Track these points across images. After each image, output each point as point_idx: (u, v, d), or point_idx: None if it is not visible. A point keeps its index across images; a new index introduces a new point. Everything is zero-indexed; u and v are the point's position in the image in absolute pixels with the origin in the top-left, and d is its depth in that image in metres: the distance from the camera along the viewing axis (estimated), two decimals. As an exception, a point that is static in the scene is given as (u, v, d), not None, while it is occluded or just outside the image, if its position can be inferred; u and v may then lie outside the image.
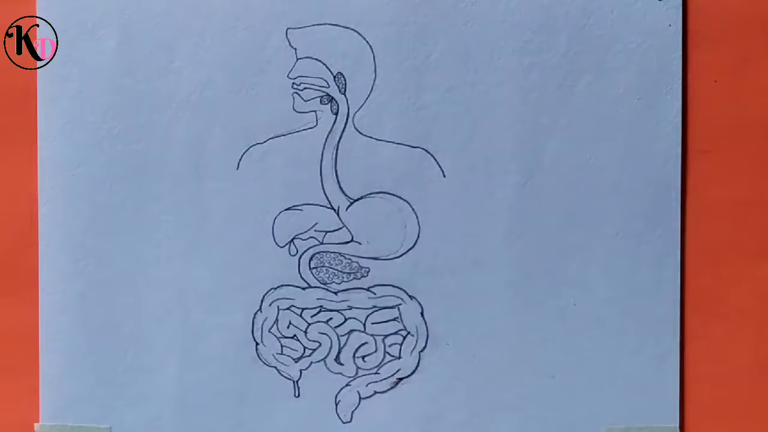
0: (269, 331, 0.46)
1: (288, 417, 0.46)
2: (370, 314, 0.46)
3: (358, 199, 0.46)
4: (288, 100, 0.46)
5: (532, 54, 0.45)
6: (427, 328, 0.46)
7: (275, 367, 0.46)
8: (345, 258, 0.46)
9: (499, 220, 0.45)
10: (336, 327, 0.46)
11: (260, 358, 0.46)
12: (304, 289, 0.46)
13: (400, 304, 0.46)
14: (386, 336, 0.46)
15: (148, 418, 0.46)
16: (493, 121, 0.45)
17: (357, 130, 0.46)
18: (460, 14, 0.45)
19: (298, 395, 0.46)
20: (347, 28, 0.46)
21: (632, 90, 0.45)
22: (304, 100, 0.46)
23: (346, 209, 0.46)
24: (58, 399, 0.47)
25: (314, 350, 0.46)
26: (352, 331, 0.46)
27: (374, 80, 0.46)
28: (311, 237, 0.46)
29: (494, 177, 0.45)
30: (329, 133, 0.46)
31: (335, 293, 0.46)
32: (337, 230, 0.46)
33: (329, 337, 0.46)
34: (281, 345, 0.46)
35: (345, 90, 0.46)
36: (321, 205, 0.46)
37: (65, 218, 0.46)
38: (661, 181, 0.45)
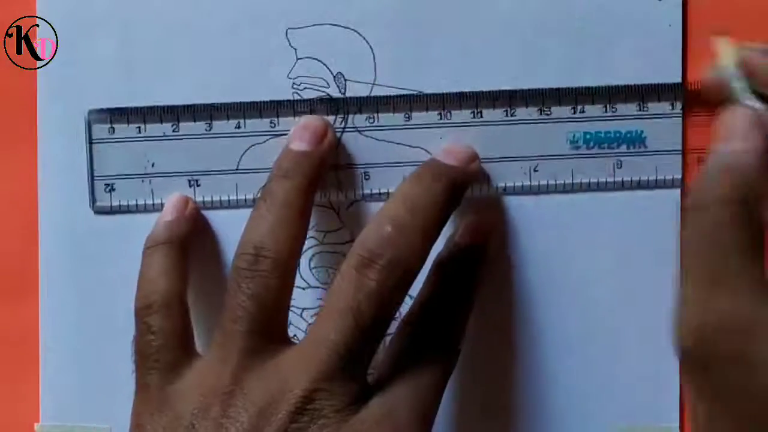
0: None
1: (288, 417, 0.46)
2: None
3: (358, 199, 0.46)
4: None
5: (532, 54, 0.45)
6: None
7: (275, 367, 0.46)
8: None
9: (498, 220, 0.45)
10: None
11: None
12: (304, 289, 0.46)
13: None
14: (386, 335, 0.46)
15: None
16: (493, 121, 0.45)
17: (357, 130, 0.46)
18: (461, 14, 0.45)
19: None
20: (347, 28, 0.46)
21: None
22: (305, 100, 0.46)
23: (347, 209, 0.46)
24: (58, 399, 0.47)
25: (314, 350, 0.46)
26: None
27: (374, 80, 0.46)
28: (311, 237, 0.46)
29: (494, 176, 0.45)
30: (329, 133, 0.46)
31: (335, 293, 0.46)
32: (337, 230, 0.46)
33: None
34: (281, 345, 0.46)
35: (345, 90, 0.46)
36: (321, 205, 0.46)
37: (65, 218, 0.46)
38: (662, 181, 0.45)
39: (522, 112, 0.45)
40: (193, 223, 0.45)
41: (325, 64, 0.46)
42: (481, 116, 0.45)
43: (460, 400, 0.46)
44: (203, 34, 0.46)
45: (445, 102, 0.45)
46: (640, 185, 0.45)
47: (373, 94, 0.46)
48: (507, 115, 0.45)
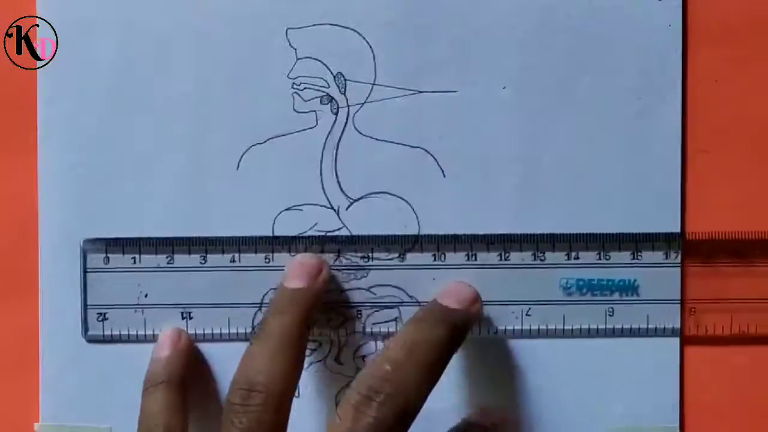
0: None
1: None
2: (370, 314, 0.46)
3: (358, 199, 0.46)
4: (288, 100, 0.46)
5: (532, 54, 0.45)
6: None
7: (275, 367, 0.46)
8: (345, 258, 0.46)
9: (498, 220, 0.45)
10: (336, 327, 0.46)
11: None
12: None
13: (400, 304, 0.46)
14: (386, 336, 0.46)
15: (148, 418, 0.46)
16: (493, 121, 0.45)
17: (357, 130, 0.46)
18: (460, 14, 0.45)
19: (298, 395, 0.46)
20: (347, 28, 0.46)
21: (632, 90, 0.45)
22: (304, 100, 0.46)
23: (346, 209, 0.46)
24: (58, 399, 0.47)
25: (314, 350, 0.46)
26: (352, 331, 0.46)
27: (374, 80, 0.46)
28: (311, 237, 0.46)
29: (494, 177, 0.45)
30: (329, 133, 0.46)
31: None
32: (337, 230, 0.46)
33: (329, 338, 0.46)
34: (281, 345, 0.46)
35: (345, 90, 0.46)
36: (321, 205, 0.46)
37: (65, 218, 0.46)
38: (661, 181, 0.45)
39: (516, 257, 0.45)
40: (188, 356, 0.45)
41: (325, 64, 0.46)
42: (476, 259, 0.45)
43: (457, 399, 0.46)
44: (203, 34, 0.46)
45: (439, 244, 0.45)
46: (632, 333, 0.45)
47: (373, 94, 0.46)
48: (501, 259, 0.45)
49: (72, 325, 0.46)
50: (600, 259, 0.45)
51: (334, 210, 0.46)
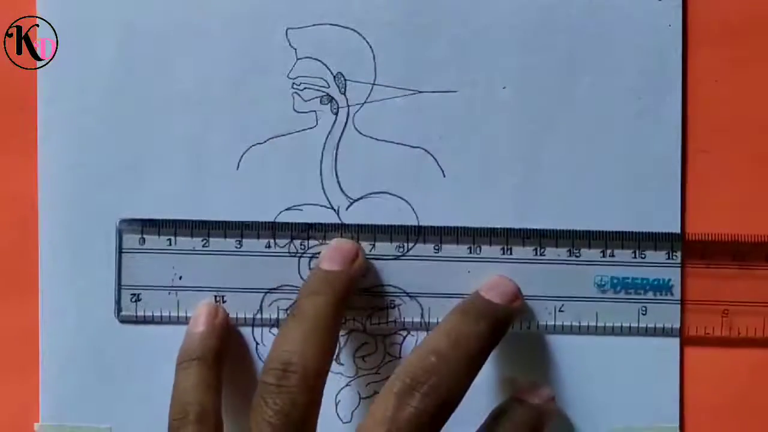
0: (269, 332, 0.46)
1: (288, 417, 0.46)
2: (370, 314, 0.46)
3: (358, 199, 0.46)
4: (288, 100, 0.46)
5: (532, 54, 0.45)
6: (427, 328, 0.46)
7: (275, 368, 0.46)
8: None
9: (498, 220, 0.45)
10: (336, 327, 0.46)
11: (260, 359, 0.46)
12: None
13: (400, 305, 0.46)
14: (386, 336, 0.46)
15: (149, 418, 0.46)
16: (493, 121, 0.45)
17: (357, 130, 0.46)
18: (460, 14, 0.45)
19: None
20: (347, 28, 0.46)
21: (632, 90, 0.45)
22: (304, 100, 0.46)
23: (346, 209, 0.46)
24: (58, 399, 0.47)
25: (314, 350, 0.46)
26: (352, 331, 0.46)
27: (374, 80, 0.46)
28: (311, 237, 0.46)
29: (494, 177, 0.45)
30: (329, 133, 0.46)
31: (335, 293, 0.46)
32: (337, 230, 0.46)
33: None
34: (281, 345, 0.46)
35: (345, 90, 0.46)
36: (321, 205, 0.46)
37: (65, 218, 0.46)
38: (661, 181, 0.45)
39: (551, 252, 0.45)
40: (223, 332, 0.45)
41: (325, 64, 0.46)
42: (511, 253, 0.45)
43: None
44: (203, 34, 0.46)
45: (475, 237, 0.45)
46: (664, 332, 0.45)
47: (373, 94, 0.46)
48: (536, 254, 0.45)
49: (72, 325, 0.46)
50: (635, 257, 0.45)
51: (334, 210, 0.46)
